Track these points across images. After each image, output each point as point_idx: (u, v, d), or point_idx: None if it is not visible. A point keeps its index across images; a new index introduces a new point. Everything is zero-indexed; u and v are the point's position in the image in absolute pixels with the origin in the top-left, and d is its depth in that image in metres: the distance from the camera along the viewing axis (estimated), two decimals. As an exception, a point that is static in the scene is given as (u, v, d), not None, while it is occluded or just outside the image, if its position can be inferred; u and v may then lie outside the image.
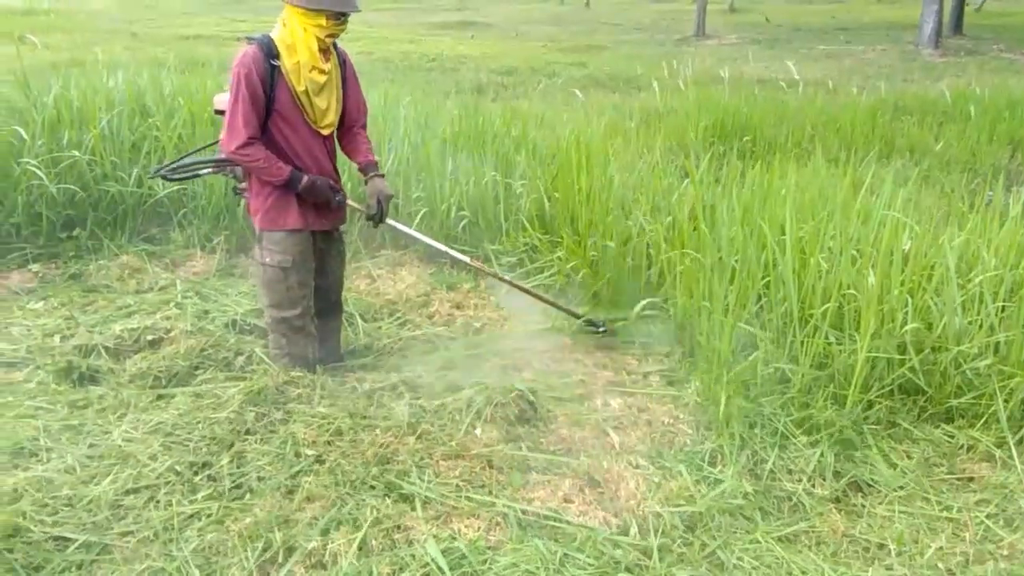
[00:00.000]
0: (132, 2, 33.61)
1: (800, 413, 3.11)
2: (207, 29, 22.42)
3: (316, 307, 3.40)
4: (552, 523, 2.56)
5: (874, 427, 3.08)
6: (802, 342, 3.28)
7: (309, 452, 2.84)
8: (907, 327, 3.18)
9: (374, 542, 2.44)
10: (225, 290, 4.22)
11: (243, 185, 3.35)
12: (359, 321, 3.93)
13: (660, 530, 2.54)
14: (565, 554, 2.41)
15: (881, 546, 2.52)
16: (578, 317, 3.83)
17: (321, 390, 3.25)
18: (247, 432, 2.96)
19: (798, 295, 3.45)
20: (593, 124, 7.00)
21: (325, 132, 3.23)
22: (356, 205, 3.41)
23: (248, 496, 2.63)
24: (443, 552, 2.39)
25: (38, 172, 4.62)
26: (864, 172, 4.91)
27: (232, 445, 2.88)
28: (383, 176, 3.41)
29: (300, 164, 3.16)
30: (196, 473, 2.73)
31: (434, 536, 2.47)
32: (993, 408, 3.03)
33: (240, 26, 23.61)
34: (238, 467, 2.75)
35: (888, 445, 3.01)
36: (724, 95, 8.57)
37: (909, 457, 2.95)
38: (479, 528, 2.53)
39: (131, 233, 4.89)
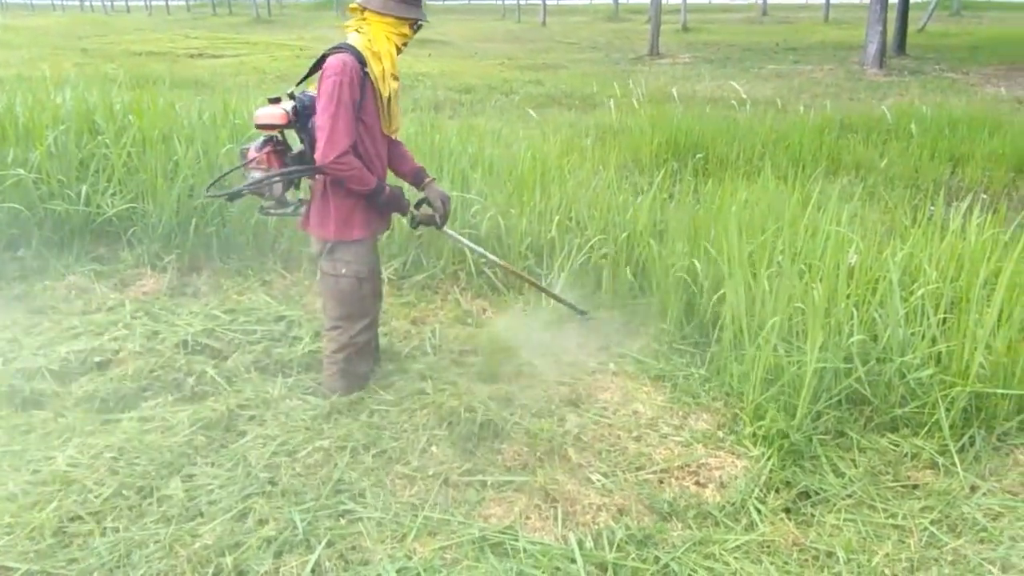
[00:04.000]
0: (83, 18, 33.00)
1: (752, 425, 3.17)
2: (160, 46, 22.14)
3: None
4: (508, 540, 2.56)
5: (823, 437, 3.15)
6: (753, 355, 3.34)
7: (262, 474, 2.80)
8: (853, 339, 3.27)
9: (328, 563, 2.42)
10: (176, 309, 4.14)
11: (267, 204, 3.24)
12: (306, 336, 3.88)
13: (615, 544, 2.56)
14: (521, 571, 2.41)
15: (830, 554, 2.57)
16: (582, 313, 4.00)
17: (275, 410, 3.21)
18: (197, 454, 2.91)
19: (748, 309, 3.52)
20: (549, 141, 7.07)
21: (395, 137, 3.33)
22: (416, 212, 3.44)
23: (198, 520, 2.58)
24: (398, 572, 2.37)
25: (-19, 191, 4.50)
26: (812, 188, 5.04)
27: (182, 468, 2.82)
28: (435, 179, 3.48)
29: (375, 171, 3.18)
30: (144, 498, 2.67)
31: (389, 556, 2.45)
32: (936, 417, 3.12)
33: (194, 43, 23.37)
34: (188, 491, 2.70)
35: (836, 454, 3.08)
36: (677, 113, 8.73)
37: (856, 466, 3.02)
38: (435, 547, 2.51)
39: (78, 253, 4.78)
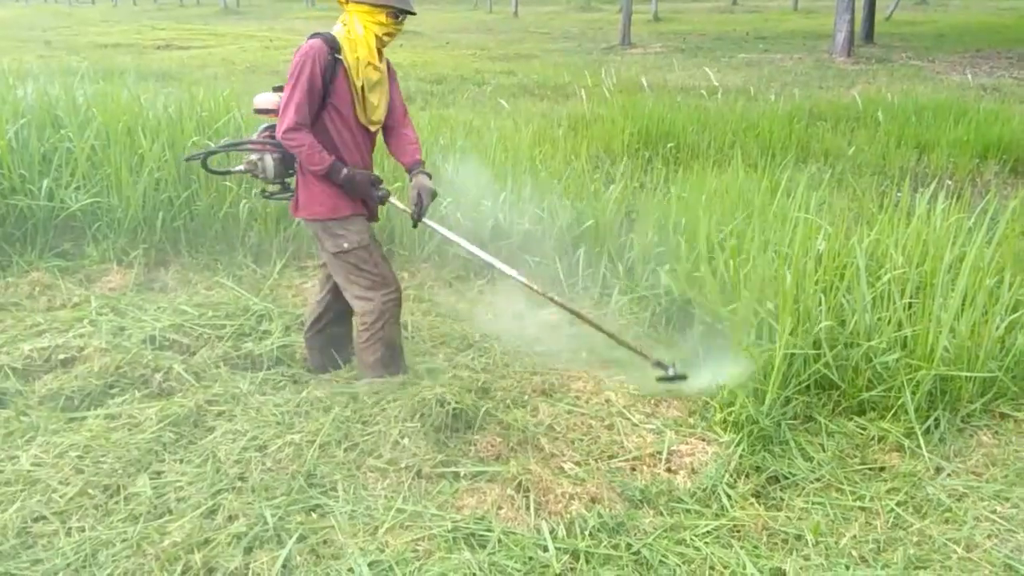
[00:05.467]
0: (47, 10, 32.31)
1: (722, 411, 3.19)
2: (126, 37, 21.75)
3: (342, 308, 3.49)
4: (482, 531, 2.56)
5: (792, 422, 3.19)
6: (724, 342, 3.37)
7: (231, 470, 2.77)
8: (821, 324, 3.30)
9: (299, 559, 2.40)
10: (143, 305, 4.08)
11: (272, 188, 3.41)
12: (276, 330, 3.84)
13: (588, 532, 2.57)
14: (494, 561, 2.41)
15: (799, 537, 2.60)
16: (647, 358, 3.44)
17: (245, 405, 3.18)
18: (165, 451, 2.87)
19: (718, 296, 3.55)
20: (522, 131, 7.04)
21: (373, 128, 3.29)
22: (398, 204, 3.39)
23: (166, 517, 2.54)
24: (370, 565, 2.36)
25: (-61, 186, 4.40)
26: (781, 176, 5.07)
27: (149, 465, 2.79)
28: (428, 174, 3.37)
29: (347, 157, 3.20)
30: (111, 496, 2.63)
31: (361, 549, 2.44)
32: (901, 400, 3.17)
33: (160, 34, 22.98)
34: (155, 488, 2.67)
35: (805, 439, 3.12)
36: (649, 102, 8.74)
37: (824, 450, 3.06)
38: (408, 540, 2.50)
39: (42, 248, 4.69)
